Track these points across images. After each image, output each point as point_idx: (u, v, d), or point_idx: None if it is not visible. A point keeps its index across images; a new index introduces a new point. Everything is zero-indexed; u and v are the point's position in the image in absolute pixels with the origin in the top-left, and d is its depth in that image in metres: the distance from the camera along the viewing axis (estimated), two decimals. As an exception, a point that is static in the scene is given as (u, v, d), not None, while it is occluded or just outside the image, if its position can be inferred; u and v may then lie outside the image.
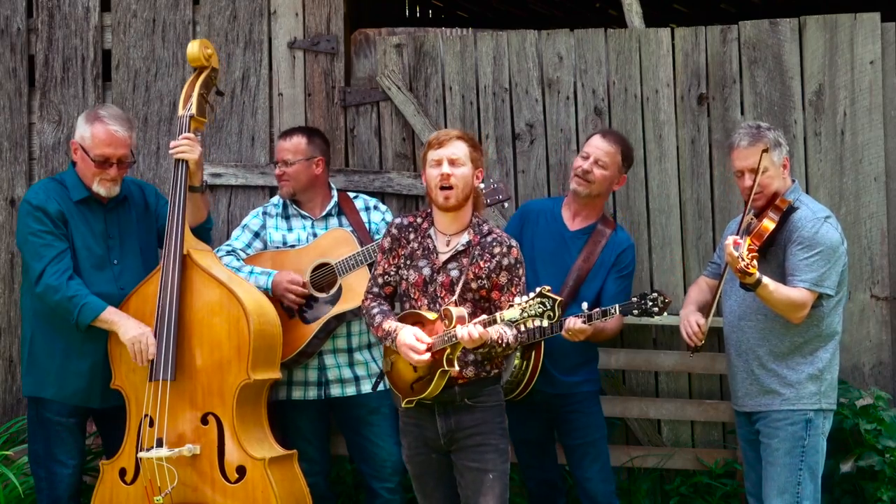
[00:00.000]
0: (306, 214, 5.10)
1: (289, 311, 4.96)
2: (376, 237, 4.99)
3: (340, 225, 5.09)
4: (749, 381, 4.57)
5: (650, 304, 4.45)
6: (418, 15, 11.00)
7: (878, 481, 5.19)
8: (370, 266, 4.82)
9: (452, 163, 4.22)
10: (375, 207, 5.18)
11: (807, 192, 5.43)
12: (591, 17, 9.78)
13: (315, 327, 4.92)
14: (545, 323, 3.98)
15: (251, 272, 4.94)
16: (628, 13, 5.71)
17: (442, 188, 4.22)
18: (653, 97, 5.62)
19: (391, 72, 5.68)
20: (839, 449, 5.19)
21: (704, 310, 4.67)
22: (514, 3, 10.16)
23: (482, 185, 4.79)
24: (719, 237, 5.41)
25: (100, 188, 4.75)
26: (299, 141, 5.08)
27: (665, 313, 4.45)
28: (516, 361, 4.72)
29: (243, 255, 5.06)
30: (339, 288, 4.92)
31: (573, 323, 4.54)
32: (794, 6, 7.15)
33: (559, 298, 3.99)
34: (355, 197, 5.21)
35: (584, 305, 4.50)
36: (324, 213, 5.10)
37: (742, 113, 5.56)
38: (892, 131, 5.51)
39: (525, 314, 3.97)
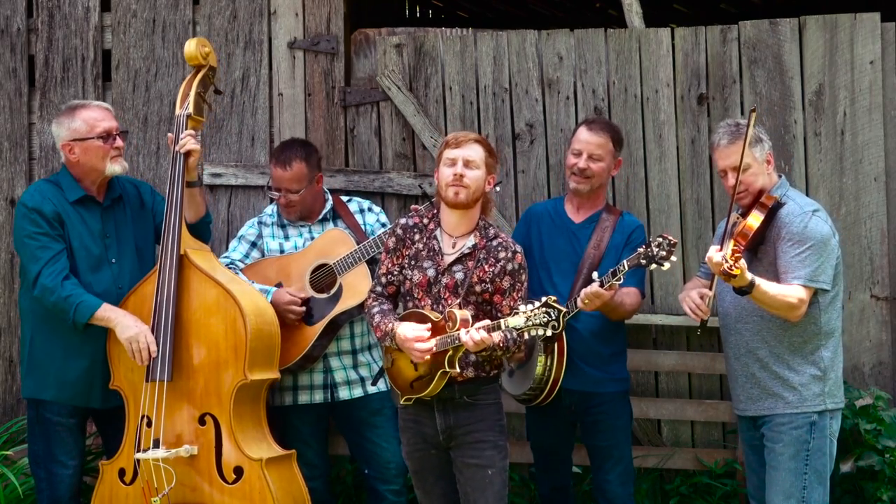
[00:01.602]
0: (301, 222, 5.10)
1: None
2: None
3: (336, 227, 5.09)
4: (750, 384, 4.51)
5: (656, 249, 4.33)
6: (418, 15, 11.00)
7: (877, 481, 5.18)
8: (369, 262, 4.83)
9: (467, 164, 4.26)
10: (369, 209, 5.18)
11: (807, 192, 5.44)
12: (591, 17, 9.78)
13: (318, 328, 4.91)
14: (549, 333, 4.02)
15: (251, 284, 4.93)
16: (628, 13, 5.70)
17: (454, 185, 4.25)
18: (653, 97, 5.62)
19: (391, 72, 5.68)
20: (839, 449, 5.16)
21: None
22: (514, 3, 10.16)
23: None
24: (720, 224, 5.42)
25: (115, 167, 4.76)
26: (300, 168, 5.00)
27: (673, 257, 4.32)
28: (539, 369, 4.69)
29: (241, 265, 5.06)
30: (340, 287, 4.92)
31: (588, 288, 4.47)
32: (794, 6, 7.15)
33: (564, 310, 4.05)
34: (349, 200, 5.20)
35: (595, 275, 4.48)
36: (319, 218, 5.10)
37: (742, 113, 5.55)
38: (892, 131, 5.51)
39: (530, 322, 4.02)
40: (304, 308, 4.91)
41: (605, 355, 4.79)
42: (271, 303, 4.86)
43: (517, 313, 4.06)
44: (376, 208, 5.23)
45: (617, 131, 4.90)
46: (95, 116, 4.76)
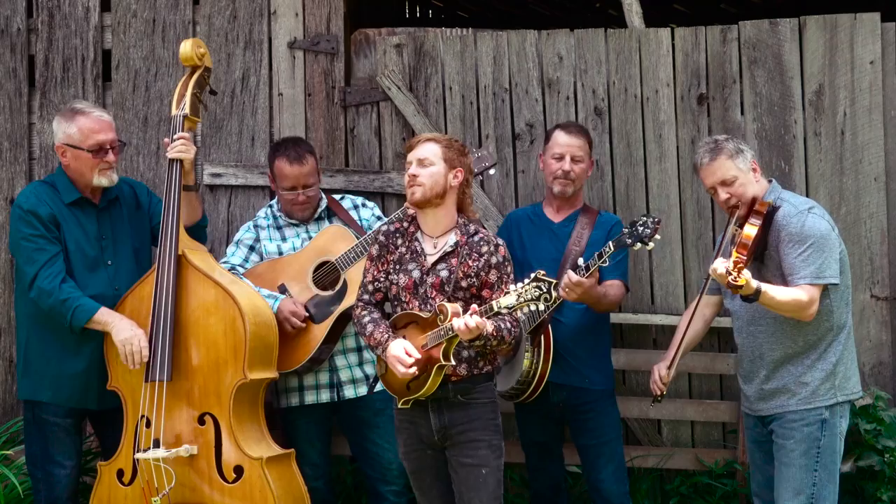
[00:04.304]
0: (297, 221, 5.08)
1: None
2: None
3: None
4: (761, 384, 4.51)
5: (641, 228, 4.34)
6: (418, 15, 11.00)
7: (877, 481, 5.19)
8: None
9: (420, 163, 4.31)
10: (363, 205, 5.18)
11: (806, 192, 5.44)
12: (591, 17, 9.78)
13: (326, 326, 4.88)
14: (542, 306, 4.05)
15: (257, 290, 4.90)
16: (628, 13, 5.71)
17: (409, 186, 4.31)
18: (653, 97, 5.62)
19: (391, 72, 5.68)
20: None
21: (684, 344, 4.66)
22: (514, 3, 10.16)
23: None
24: (719, 237, 5.41)
25: (101, 179, 4.73)
26: (313, 162, 5.02)
27: (658, 236, 4.32)
28: (525, 364, 4.70)
29: (242, 270, 5.03)
30: (344, 283, 4.90)
31: (567, 277, 4.49)
32: (794, 6, 7.15)
33: (554, 281, 4.05)
34: (341, 198, 5.20)
35: (581, 260, 4.49)
36: (315, 217, 5.08)
37: (742, 113, 5.56)
38: (892, 131, 5.51)
39: (521, 299, 4.03)
40: (304, 324, 4.88)
41: (592, 349, 4.84)
42: (278, 309, 4.84)
43: (508, 293, 4.07)
44: (370, 203, 5.22)
45: (588, 133, 5.04)
46: (91, 127, 4.71)
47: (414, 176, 4.29)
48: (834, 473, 4.44)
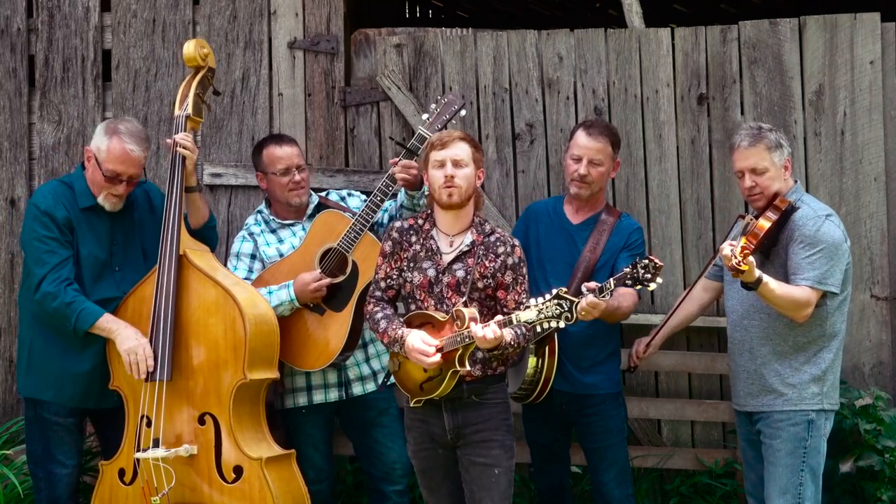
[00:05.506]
0: (291, 221, 5.07)
1: (318, 308, 4.91)
2: None
3: None
4: (750, 380, 4.56)
5: (642, 271, 4.28)
6: (418, 15, 11.00)
7: (877, 481, 5.19)
8: (371, 228, 4.80)
9: (456, 164, 4.27)
10: (349, 195, 5.18)
11: (806, 191, 5.43)
12: (591, 17, 9.78)
13: (350, 311, 4.84)
14: (562, 324, 4.03)
15: (269, 292, 4.88)
16: (628, 13, 5.71)
17: (446, 187, 4.25)
18: (653, 97, 5.62)
19: (391, 72, 5.68)
20: (839, 449, 5.18)
21: (672, 324, 4.88)
22: (514, 3, 10.16)
23: (434, 106, 4.82)
24: (719, 237, 5.43)
25: (105, 202, 4.74)
26: (298, 147, 5.09)
27: (659, 279, 4.26)
28: (530, 369, 4.68)
29: (248, 283, 5.00)
30: (353, 264, 4.86)
31: (585, 301, 4.38)
32: (794, 6, 7.15)
33: (576, 300, 4.04)
34: (326, 194, 5.20)
35: (584, 288, 4.42)
36: (309, 214, 5.06)
37: (742, 113, 5.56)
38: (892, 131, 5.51)
39: (542, 316, 4.02)
40: (326, 281, 4.81)
41: (596, 359, 4.80)
42: (297, 293, 4.82)
43: (528, 307, 4.07)
44: (356, 192, 5.22)
45: (615, 133, 4.89)
46: (116, 155, 4.68)
47: (452, 177, 4.25)
48: (818, 474, 4.50)
